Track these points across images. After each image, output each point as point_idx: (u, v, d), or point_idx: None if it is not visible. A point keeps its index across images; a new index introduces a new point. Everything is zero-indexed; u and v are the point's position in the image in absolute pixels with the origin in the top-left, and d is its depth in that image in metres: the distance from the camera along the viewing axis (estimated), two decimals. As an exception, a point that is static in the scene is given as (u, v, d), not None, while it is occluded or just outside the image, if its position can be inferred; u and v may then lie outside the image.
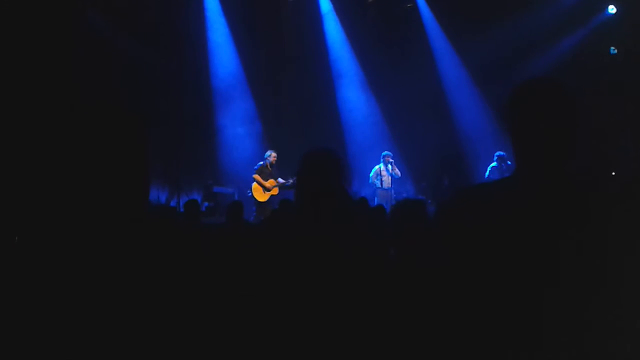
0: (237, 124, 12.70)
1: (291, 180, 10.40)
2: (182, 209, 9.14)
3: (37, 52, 8.32)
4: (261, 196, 10.23)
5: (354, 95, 13.48)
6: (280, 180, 10.41)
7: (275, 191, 10.35)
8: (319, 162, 2.41)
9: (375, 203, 10.30)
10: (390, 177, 10.98)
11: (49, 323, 1.36)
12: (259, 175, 10.27)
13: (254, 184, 10.28)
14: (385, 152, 11.17)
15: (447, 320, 1.59)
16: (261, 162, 10.44)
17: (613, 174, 10.80)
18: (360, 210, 5.82)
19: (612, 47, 12.13)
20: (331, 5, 13.20)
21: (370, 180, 11.10)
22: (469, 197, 1.72)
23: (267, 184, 10.26)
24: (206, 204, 11.74)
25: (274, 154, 10.45)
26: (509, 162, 10.43)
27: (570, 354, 1.44)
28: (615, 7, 12.08)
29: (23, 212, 1.46)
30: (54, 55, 8.58)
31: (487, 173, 10.79)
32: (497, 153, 10.70)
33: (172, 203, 11.69)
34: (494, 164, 10.71)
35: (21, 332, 1.35)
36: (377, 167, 11.10)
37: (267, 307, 2.16)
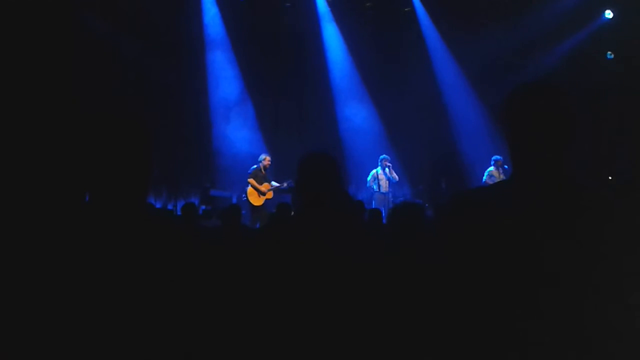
0: (235, 128, 12.70)
1: (285, 184, 10.39)
2: (179, 212, 9.13)
3: (37, 59, 8.33)
4: (256, 200, 10.21)
5: (351, 99, 13.48)
6: (275, 183, 10.40)
7: (270, 195, 10.33)
8: (316, 166, 2.43)
9: (373, 206, 10.30)
10: (387, 181, 10.98)
11: (46, 320, 1.36)
12: (254, 179, 10.24)
13: (249, 188, 10.24)
14: (383, 156, 11.18)
15: (447, 323, 1.59)
16: (255, 166, 10.39)
17: (610, 178, 10.83)
18: (358, 212, 5.83)
19: (609, 52, 12.16)
20: (329, 10, 13.22)
21: (367, 184, 11.11)
22: (467, 200, 1.72)
23: (262, 187, 10.24)
24: (203, 207, 11.73)
25: (267, 157, 10.41)
26: (506, 167, 10.45)
27: (569, 355, 1.45)
28: (612, 12, 12.12)
29: (24, 212, 1.46)
30: (53, 61, 8.59)
31: (484, 177, 10.80)
32: (494, 157, 10.72)
33: (170, 206, 11.68)
34: (491, 168, 10.73)
35: (19, 331, 1.35)
36: (374, 170, 11.10)
37: (266, 311, 2.16)
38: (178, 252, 1.53)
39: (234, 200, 11.49)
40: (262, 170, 10.34)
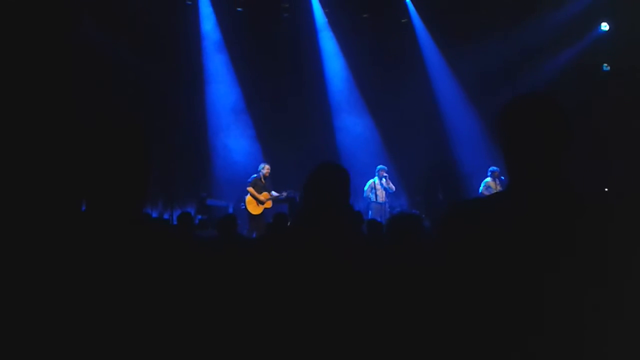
0: (232, 137, 12.72)
1: (285, 194, 10.41)
2: (175, 222, 9.11)
3: (33, 65, 8.32)
4: (255, 209, 10.23)
5: (348, 109, 13.52)
6: (274, 193, 10.41)
7: (268, 204, 10.34)
8: (329, 176, 2.42)
9: (369, 217, 10.31)
10: (384, 191, 11.00)
11: (42, 329, 1.35)
12: (253, 188, 10.26)
13: (248, 197, 10.27)
14: (380, 166, 11.20)
15: (445, 332, 1.58)
16: (255, 175, 10.43)
17: (606, 189, 10.84)
18: (357, 223, 5.83)
19: (605, 64, 12.22)
20: (326, 20, 13.28)
21: (364, 194, 11.11)
22: (464, 211, 1.72)
23: (261, 196, 10.25)
24: (199, 217, 11.70)
25: (267, 167, 10.45)
26: (502, 178, 10.47)
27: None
28: (608, 24, 12.19)
29: (20, 220, 1.46)
30: (50, 68, 8.58)
31: (481, 188, 10.82)
32: (490, 168, 10.75)
33: (166, 216, 11.65)
34: (487, 179, 10.75)
35: (15, 340, 1.35)
36: (371, 180, 11.12)
37: (263, 320, 2.15)
38: (174, 262, 1.52)
39: (231, 210, 11.48)
40: (262, 180, 10.37)
